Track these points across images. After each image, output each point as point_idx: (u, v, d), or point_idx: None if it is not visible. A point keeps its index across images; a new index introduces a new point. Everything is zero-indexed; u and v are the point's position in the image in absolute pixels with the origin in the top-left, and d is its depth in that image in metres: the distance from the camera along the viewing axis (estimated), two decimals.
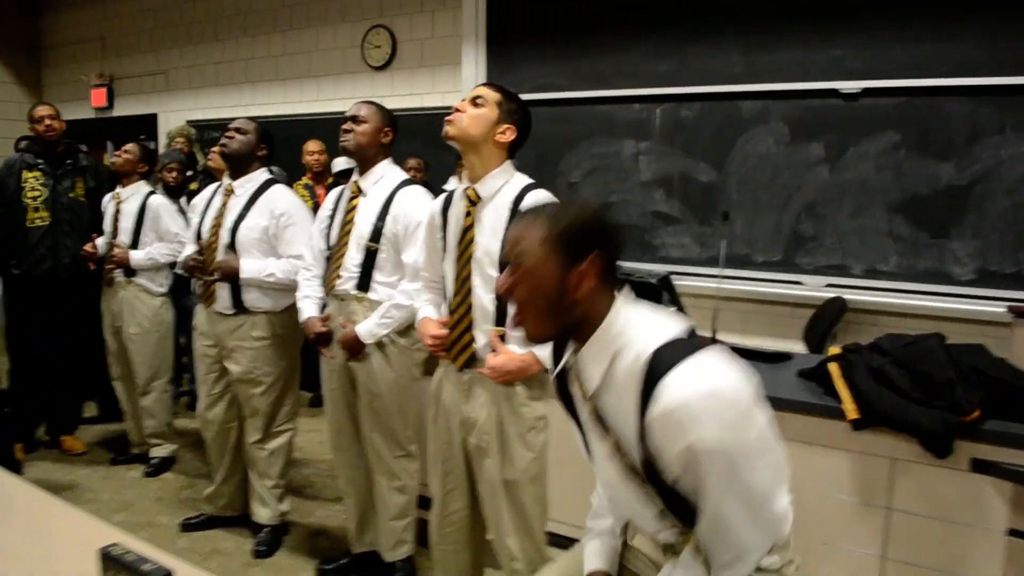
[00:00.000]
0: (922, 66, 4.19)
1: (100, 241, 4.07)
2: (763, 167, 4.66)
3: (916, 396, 2.32)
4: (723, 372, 1.25)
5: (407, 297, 2.69)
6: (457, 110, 2.21)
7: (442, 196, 2.40)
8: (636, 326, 1.33)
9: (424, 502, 3.10)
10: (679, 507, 1.35)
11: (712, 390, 1.21)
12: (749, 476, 1.25)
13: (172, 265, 3.99)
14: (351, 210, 2.82)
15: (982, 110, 4.10)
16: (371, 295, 2.76)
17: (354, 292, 2.77)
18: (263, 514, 3.31)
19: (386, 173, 2.84)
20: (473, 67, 5.52)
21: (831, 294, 4.43)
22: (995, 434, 2.26)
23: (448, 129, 2.20)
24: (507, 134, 2.21)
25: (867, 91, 4.34)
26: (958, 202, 4.18)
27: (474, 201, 2.22)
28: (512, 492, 2.21)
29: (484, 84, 2.27)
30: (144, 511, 3.65)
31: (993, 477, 2.26)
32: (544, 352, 2.14)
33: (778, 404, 2.52)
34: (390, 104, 5.78)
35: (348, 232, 2.80)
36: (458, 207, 2.27)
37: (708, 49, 4.75)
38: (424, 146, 5.41)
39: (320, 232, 2.95)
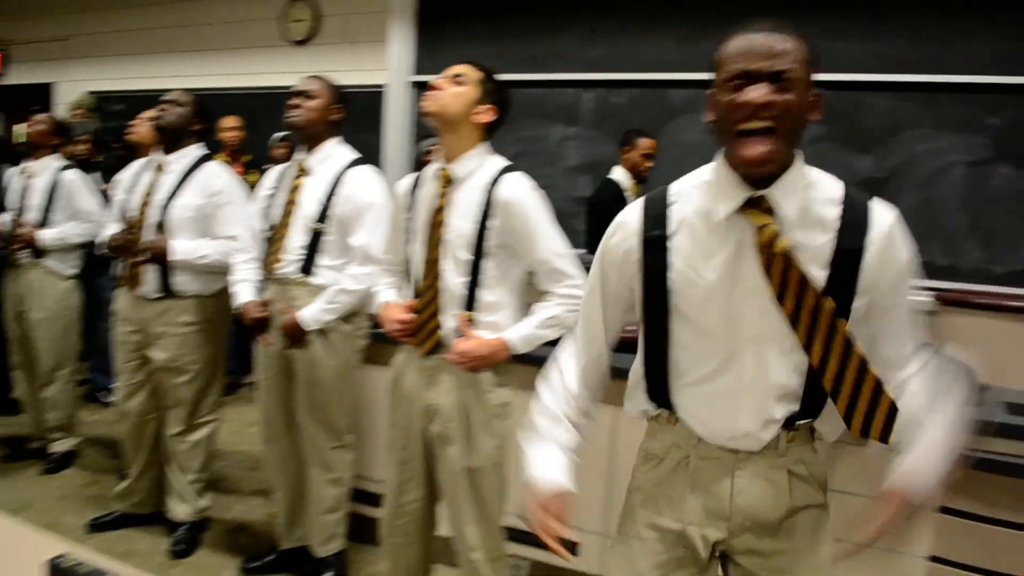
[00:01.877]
0: (844, 61, 4.28)
1: (4, 218, 3.77)
2: (691, 156, 4.62)
3: None
4: None
5: (355, 282, 2.59)
6: (436, 87, 2.11)
7: (410, 176, 2.31)
8: (811, 169, 1.36)
9: (358, 495, 3.01)
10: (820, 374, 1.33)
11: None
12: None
13: (84, 245, 3.74)
14: (295, 189, 2.68)
15: (902, 105, 4.23)
16: (314, 279, 2.64)
17: (296, 276, 2.64)
18: (181, 511, 3.12)
19: (335, 152, 2.73)
20: (400, 45, 5.36)
21: None
22: None
23: (427, 105, 2.10)
24: (486, 115, 2.13)
25: None
26: (876, 194, 4.27)
27: (448, 182, 2.14)
28: (474, 480, 2.14)
29: (466, 62, 2.18)
30: (47, 511, 3.40)
31: None
32: (515, 335, 2.10)
33: None
34: None
35: (291, 212, 2.66)
36: (429, 188, 2.18)
37: (641, 36, 4.74)
38: (347, 126, 5.23)
39: (259, 212, 2.80)
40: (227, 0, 6.07)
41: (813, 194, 1.32)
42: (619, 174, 4.42)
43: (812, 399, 1.36)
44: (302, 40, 5.80)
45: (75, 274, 3.77)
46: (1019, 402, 2.44)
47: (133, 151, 4.00)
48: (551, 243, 2.12)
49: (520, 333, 2.11)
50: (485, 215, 2.08)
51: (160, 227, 2.91)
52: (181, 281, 2.95)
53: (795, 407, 1.37)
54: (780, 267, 1.30)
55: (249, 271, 2.78)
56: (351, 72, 5.53)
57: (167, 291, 2.95)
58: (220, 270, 2.94)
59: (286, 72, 5.78)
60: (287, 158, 4.92)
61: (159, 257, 2.89)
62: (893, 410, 1.31)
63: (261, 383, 2.81)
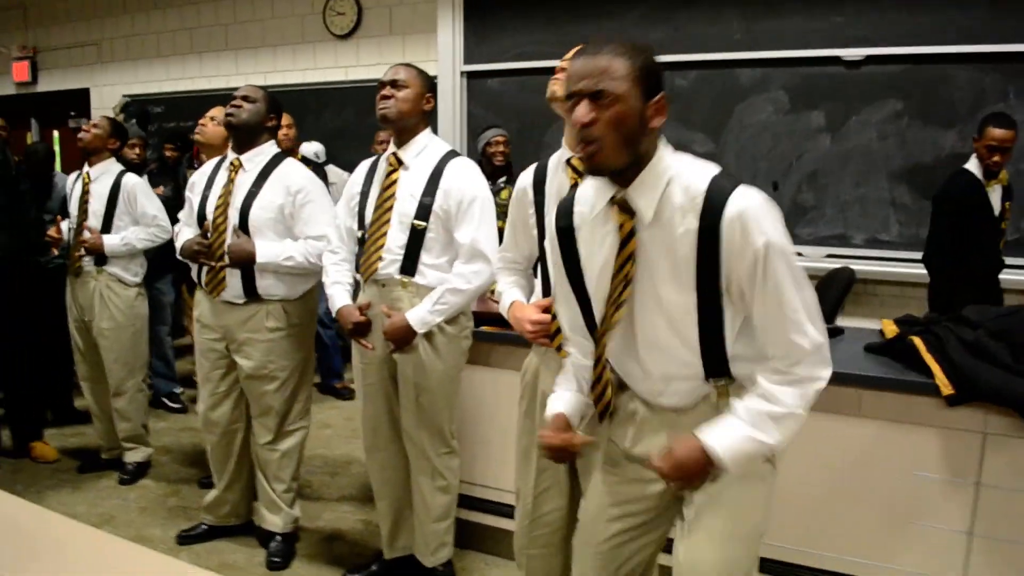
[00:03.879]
0: (925, 33, 4.14)
1: (64, 226, 3.65)
2: (762, 137, 4.55)
3: (1021, 369, 2.21)
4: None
5: (464, 280, 2.46)
6: (563, 69, 1.98)
7: (532, 168, 2.17)
8: (683, 162, 1.45)
9: (463, 500, 2.89)
10: (714, 346, 1.47)
11: (772, 205, 1.41)
12: (804, 289, 1.41)
13: (147, 252, 3.63)
14: (391, 185, 2.55)
15: (986, 78, 4.08)
16: (418, 279, 2.50)
17: (398, 276, 2.51)
18: (275, 522, 3.01)
19: (429, 143, 2.59)
20: (450, 34, 5.23)
21: (832, 265, 4.35)
22: None
23: (556, 89, 1.97)
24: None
25: (869, 58, 4.27)
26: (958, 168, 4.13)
27: (580, 172, 2.00)
28: None
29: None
30: (130, 524, 3.30)
31: None
32: None
33: (857, 381, 2.39)
34: (356, 75, 5.56)
35: (388, 209, 2.53)
36: (559, 179, 2.04)
37: (704, 15, 4.60)
38: None
39: (350, 210, 2.67)
40: None
41: (674, 187, 1.41)
42: (973, 164, 3.74)
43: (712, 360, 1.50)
44: (346, 34, 5.67)
45: (140, 281, 3.66)
46: None
47: (181, 153, 3.88)
48: None
49: None
50: None
51: (241, 229, 2.79)
52: (266, 285, 2.82)
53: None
54: (623, 259, 1.46)
55: (342, 273, 2.66)
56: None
57: (252, 295, 2.83)
58: (306, 272, 2.84)
59: (332, 67, 5.67)
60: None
61: (243, 261, 2.77)
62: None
63: (363, 391, 2.68)
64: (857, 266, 4.29)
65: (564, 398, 1.70)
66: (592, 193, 1.53)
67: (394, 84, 2.52)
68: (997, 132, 3.59)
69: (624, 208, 1.44)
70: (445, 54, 5.24)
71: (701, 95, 4.68)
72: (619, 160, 1.40)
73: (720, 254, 1.39)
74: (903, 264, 4.27)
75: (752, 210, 1.36)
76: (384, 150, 4.98)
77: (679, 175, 1.42)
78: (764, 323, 1.42)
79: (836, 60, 4.32)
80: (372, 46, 5.59)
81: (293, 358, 2.92)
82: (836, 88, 4.35)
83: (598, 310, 1.55)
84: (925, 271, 3.96)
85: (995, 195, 3.69)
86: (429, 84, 2.60)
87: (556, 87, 1.98)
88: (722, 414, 1.48)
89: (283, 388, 2.91)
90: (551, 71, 5.20)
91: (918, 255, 4.14)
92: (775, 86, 4.48)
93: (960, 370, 2.27)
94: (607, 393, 1.62)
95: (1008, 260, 3.81)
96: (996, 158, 3.62)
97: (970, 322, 2.40)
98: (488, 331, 2.83)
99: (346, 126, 5.53)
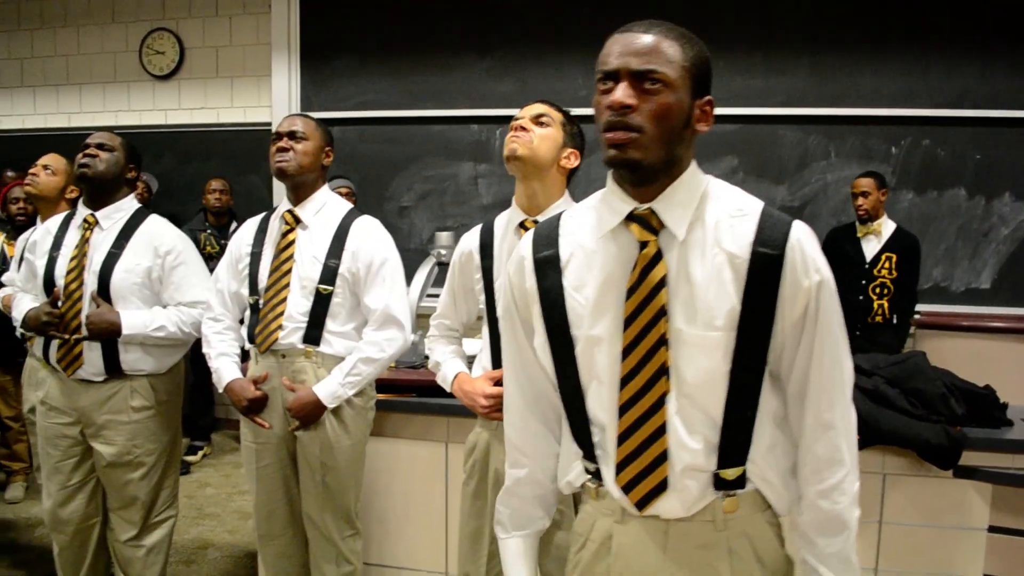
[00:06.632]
0: (758, 96, 4.43)
1: None
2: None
3: (917, 413, 2.37)
4: None
5: (378, 349, 2.29)
6: (521, 128, 1.89)
7: (477, 229, 2.05)
8: (719, 182, 1.25)
9: None
10: (741, 422, 1.18)
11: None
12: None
13: None
14: (288, 246, 2.34)
15: (810, 138, 4.43)
16: (323, 348, 2.32)
17: (301, 346, 2.30)
18: None
19: (328, 200, 2.41)
20: (286, 79, 4.96)
21: None
22: (979, 441, 2.37)
23: (517, 148, 1.88)
24: (572, 159, 1.97)
25: None
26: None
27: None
28: None
29: (543, 101, 1.98)
30: None
31: (975, 481, 2.39)
32: None
33: None
34: (176, 118, 5.17)
35: (287, 272, 2.32)
36: (512, 241, 1.94)
37: (550, 70, 4.67)
38: (222, 166, 4.82)
39: (236, 273, 2.42)
40: (71, 29, 5.41)
41: (710, 205, 1.19)
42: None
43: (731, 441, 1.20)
44: (166, 75, 5.25)
45: None
46: None
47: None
48: None
49: None
50: None
51: (100, 295, 2.45)
52: (132, 359, 2.49)
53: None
54: (651, 286, 1.18)
55: (228, 343, 2.42)
56: (227, 109, 5.12)
57: (114, 372, 2.48)
58: (176, 343, 2.55)
59: (150, 110, 5.23)
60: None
61: (105, 333, 2.42)
62: (662, 486, 1.20)
63: (256, 473, 2.40)
64: None
65: (519, 550, 1.42)
66: (594, 215, 1.24)
67: (292, 136, 2.33)
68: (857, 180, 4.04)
69: (646, 226, 1.19)
70: (280, 100, 4.96)
71: None
72: (658, 155, 1.14)
73: (779, 290, 1.15)
74: None
75: (812, 242, 1.17)
76: (218, 199, 4.70)
77: (716, 193, 1.20)
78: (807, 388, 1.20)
79: None
80: (196, 89, 5.20)
81: (160, 440, 2.59)
82: None
83: (607, 365, 1.21)
84: None
85: (868, 244, 4.02)
86: (329, 137, 2.44)
87: (516, 144, 1.88)
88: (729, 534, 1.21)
89: (150, 475, 2.57)
90: (396, 121, 5.07)
91: None
92: None
93: (862, 416, 2.39)
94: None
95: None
96: (858, 202, 3.99)
97: (864, 371, 2.54)
98: (386, 399, 2.66)
99: (166, 174, 5.09)
